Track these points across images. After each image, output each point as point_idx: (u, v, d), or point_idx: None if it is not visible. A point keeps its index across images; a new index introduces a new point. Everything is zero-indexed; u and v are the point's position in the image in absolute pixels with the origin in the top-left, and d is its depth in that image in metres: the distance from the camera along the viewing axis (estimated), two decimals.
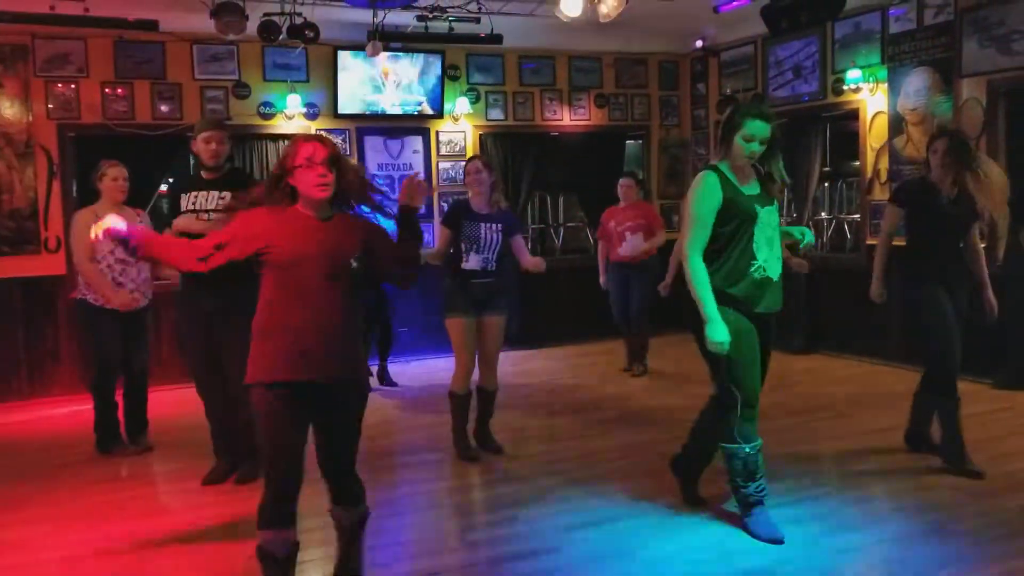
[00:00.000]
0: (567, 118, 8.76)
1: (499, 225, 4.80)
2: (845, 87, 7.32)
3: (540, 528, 3.85)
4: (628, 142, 9.36)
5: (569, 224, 9.75)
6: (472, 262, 4.74)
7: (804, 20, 6.42)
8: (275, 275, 2.85)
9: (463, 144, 8.31)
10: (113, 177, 5.09)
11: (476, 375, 4.92)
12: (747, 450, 3.64)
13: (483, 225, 4.76)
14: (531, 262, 4.81)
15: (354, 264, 2.88)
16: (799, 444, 5.01)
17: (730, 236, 3.57)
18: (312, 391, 2.84)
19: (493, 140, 8.51)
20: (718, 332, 3.49)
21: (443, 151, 8.27)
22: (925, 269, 4.36)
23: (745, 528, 3.69)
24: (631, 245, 6.87)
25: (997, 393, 6.06)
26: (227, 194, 4.29)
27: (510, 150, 8.57)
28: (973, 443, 4.55)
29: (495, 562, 3.52)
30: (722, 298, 3.55)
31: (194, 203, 4.43)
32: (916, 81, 6.80)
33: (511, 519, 3.98)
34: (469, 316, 4.77)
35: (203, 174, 4.52)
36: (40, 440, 5.71)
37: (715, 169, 3.65)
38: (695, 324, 3.60)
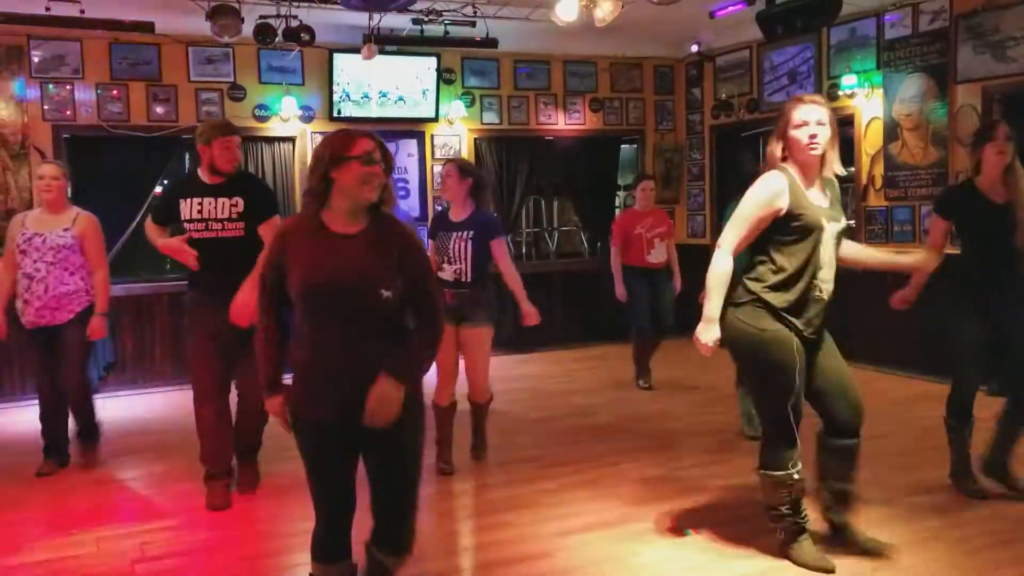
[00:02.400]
0: (562, 122, 8.76)
1: (469, 232, 4.56)
2: (840, 92, 7.33)
3: (533, 533, 3.84)
4: (623, 146, 9.37)
5: (564, 228, 9.75)
6: (445, 272, 4.55)
7: (799, 25, 6.42)
8: (300, 305, 2.55)
9: (458, 147, 8.30)
10: (40, 176, 4.74)
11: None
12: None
13: (453, 235, 4.57)
14: (526, 311, 4.64)
15: (385, 294, 2.51)
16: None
17: (791, 246, 3.25)
18: (354, 427, 2.55)
19: (488, 144, 8.51)
20: (710, 332, 3.32)
21: (438, 154, 8.27)
22: (974, 279, 4.06)
23: (789, 557, 3.43)
24: (660, 252, 6.63)
25: (991, 399, 6.05)
26: (239, 200, 4.12)
27: (505, 154, 8.57)
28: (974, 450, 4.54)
29: (487, 567, 3.51)
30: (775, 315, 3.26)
31: (200, 211, 4.12)
32: (911, 87, 6.82)
33: (503, 524, 3.96)
34: (448, 326, 4.48)
35: (206, 178, 4.18)
36: (24, 442, 5.68)
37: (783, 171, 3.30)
38: (740, 344, 3.34)
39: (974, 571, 3.36)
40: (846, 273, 3.51)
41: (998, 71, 6.19)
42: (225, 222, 4.14)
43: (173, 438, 5.54)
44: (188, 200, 4.16)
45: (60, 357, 4.71)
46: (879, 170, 7.15)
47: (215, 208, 4.13)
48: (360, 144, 2.51)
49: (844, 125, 7.69)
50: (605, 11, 6.34)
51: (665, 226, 6.69)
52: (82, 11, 6.06)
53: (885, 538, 3.55)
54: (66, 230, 4.70)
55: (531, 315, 4.67)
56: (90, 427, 5.02)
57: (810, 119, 3.23)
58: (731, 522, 3.91)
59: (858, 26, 7.22)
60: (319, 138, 7.73)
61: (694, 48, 8.60)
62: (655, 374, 6.77)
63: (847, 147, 7.75)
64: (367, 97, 7.83)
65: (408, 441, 2.65)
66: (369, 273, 2.49)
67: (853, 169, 7.60)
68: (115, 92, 7.13)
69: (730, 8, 6.69)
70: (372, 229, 2.55)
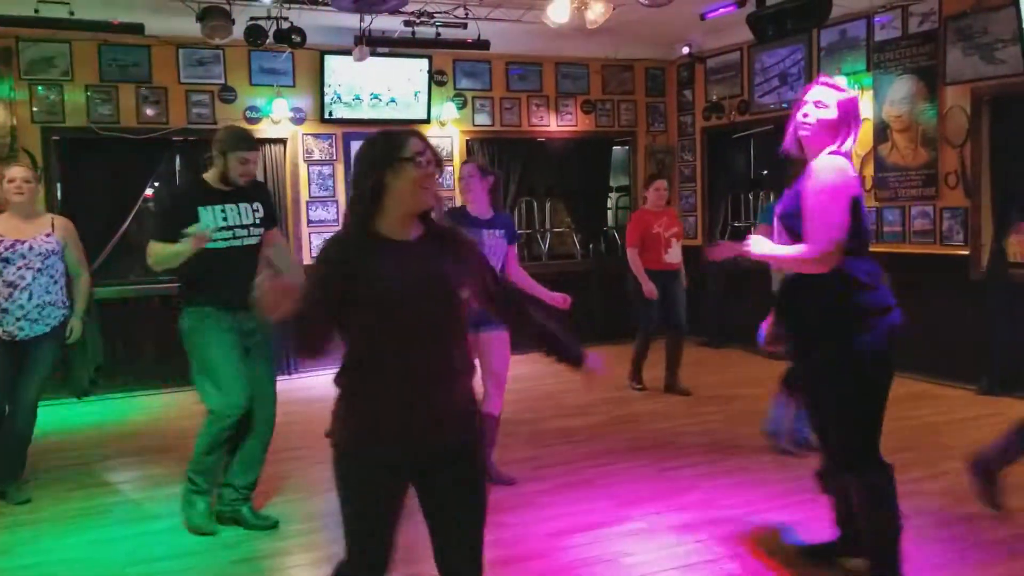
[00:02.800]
0: (554, 124, 8.77)
1: (500, 232, 4.43)
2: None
3: (526, 534, 3.84)
4: (615, 148, 9.39)
5: (556, 230, 9.75)
6: None
7: (790, 27, 6.44)
8: (364, 323, 2.22)
9: (450, 149, 8.30)
10: (10, 179, 4.38)
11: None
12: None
13: (485, 232, 4.34)
14: (554, 298, 4.30)
15: (465, 295, 2.30)
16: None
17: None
18: (424, 460, 2.28)
19: (480, 145, 8.51)
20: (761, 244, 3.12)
21: None
22: None
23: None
24: (677, 252, 6.55)
25: (981, 398, 6.10)
26: (259, 205, 4.01)
27: (497, 155, 8.57)
28: (957, 448, 4.57)
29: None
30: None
31: (225, 218, 3.90)
32: (901, 89, 6.85)
33: (497, 525, 3.92)
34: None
35: (219, 185, 3.94)
36: None
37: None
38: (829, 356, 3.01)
39: (965, 569, 3.38)
40: None
41: (987, 73, 6.22)
42: (251, 227, 3.98)
43: (165, 441, 5.52)
44: (210, 208, 3.88)
45: (26, 370, 4.40)
46: (869, 171, 7.18)
47: (239, 214, 3.95)
48: (412, 144, 2.24)
49: None
50: (596, 13, 6.36)
51: (678, 226, 6.64)
52: (71, 13, 6.04)
53: None
54: (49, 235, 4.46)
55: (560, 300, 4.35)
56: (23, 453, 4.54)
57: (808, 98, 3.16)
58: (723, 522, 3.91)
59: (848, 28, 7.25)
60: (310, 140, 7.79)
61: (685, 50, 8.62)
62: (649, 374, 6.76)
63: None
64: (359, 99, 7.83)
65: (482, 466, 2.40)
66: (450, 275, 2.27)
67: None
68: (105, 94, 7.10)
69: (721, 10, 6.71)
70: (428, 232, 2.31)
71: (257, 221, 4.00)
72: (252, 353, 3.97)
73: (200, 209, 3.85)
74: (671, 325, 6.56)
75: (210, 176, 3.96)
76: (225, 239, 3.88)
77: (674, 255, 6.54)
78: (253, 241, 3.99)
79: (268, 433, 4.04)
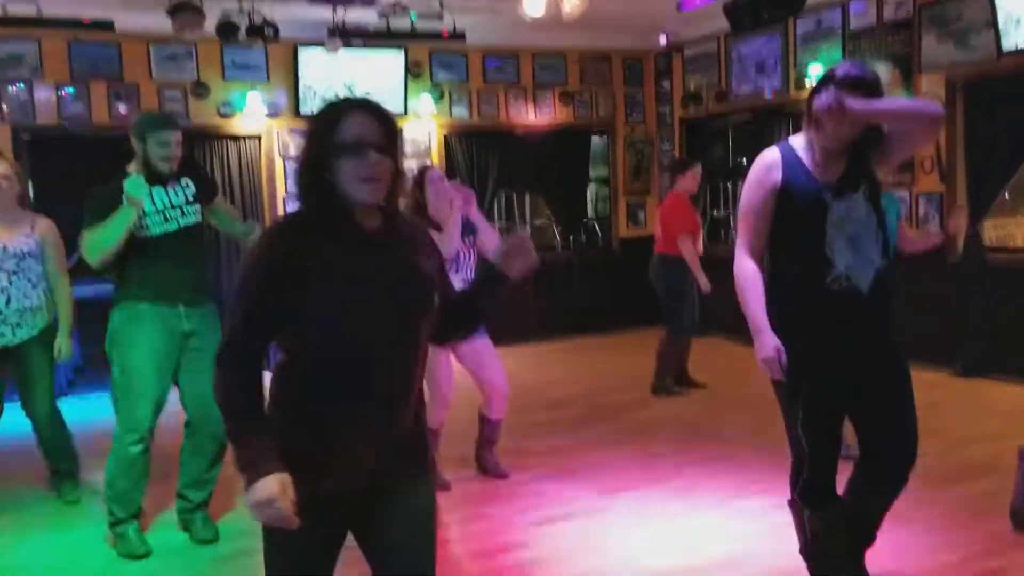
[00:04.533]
0: (532, 116, 8.74)
1: (471, 239, 4.24)
2: (807, 82, 7.38)
3: (510, 524, 3.84)
4: (593, 139, 9.38)
5: (536, 222, 9.74)
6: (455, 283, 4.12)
7: (766, 16, 6.46)
8: (319, 344, 1.84)
9: (428, 142, 8.26)
10: None
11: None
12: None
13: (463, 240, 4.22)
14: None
15: (436, 303, 1.93)
16: (763, 434, 5.03)
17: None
18: (354, 497, 1.93)
19: (458, 138, 8.48)
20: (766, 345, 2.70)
21: (407, 149, 8.22)
22: None
23: None
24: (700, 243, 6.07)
25: (957, 380, 6.15)
26: (188, 181, 3.67)
27: (475, 148, 8.54)
28: (935, 430, 4.59)
29: (466, 559, 3.49)
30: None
31: (152, 201, 3.55)
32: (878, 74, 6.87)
33: (479, 516, 3.96)
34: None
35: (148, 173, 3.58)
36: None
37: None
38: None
39: (939, 551, 3.41)
40: None
41: (960, 59, 6.26)
42: (183, 207, 3.63)
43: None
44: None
45: (27, 382, 4.27)
46: None
47: (166, 195, 3.60)
48: (348, 124, 1.78)
49: None
50: (572, 4, 6.33)
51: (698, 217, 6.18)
52: (39, 10, 5.95)
53: None
54: (27, 236, 4.21)
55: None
56: (65, 457, 4.48)
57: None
58: (705, 508, 3.93)
59: (824, 16, 7.27)
60: (286, 135, 7.72)
61: (662, 40, 8.61)
62: (626, 362, 6.76)
63: None
64: (334, 92, 7.77)
65: (433, 497, 2.08)
66: (426, 272, 1.91)
67: None
68: (75, 92, 7.01)
69: (698, 1, 6.70)
70: (396, 225, 1.92)
71: (190, 198, 3.66)
72: (193, 358, 3.62)
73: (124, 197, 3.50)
74: (697, 323, 6.12)
75: (133, 169, 3.62)
76: (159, 224, 3.56)
77: (701, 246, 6.06)
78: (191, 221, 3.66)
79: (216, 449, 3.73)
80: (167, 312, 3.59)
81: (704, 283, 5.86)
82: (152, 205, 3.56)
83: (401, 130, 1.75)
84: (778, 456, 4.57)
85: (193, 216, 3.69)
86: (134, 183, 3.46)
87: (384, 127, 1.82)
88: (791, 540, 3.53)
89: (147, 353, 3.57)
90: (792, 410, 2.80)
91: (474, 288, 2.12)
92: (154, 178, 3.56)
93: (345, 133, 1.78)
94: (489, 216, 8.86)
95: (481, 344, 4.29)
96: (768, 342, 2.68)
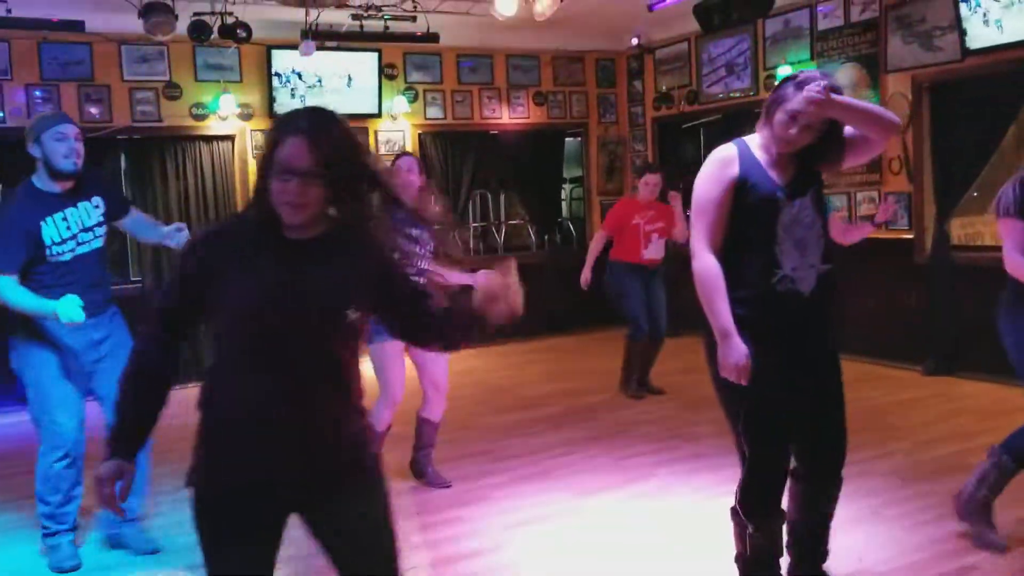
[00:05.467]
0: (506, 116, 8.76)
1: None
2: (776, 83, 7.45)
3: (483, 527, 3.85)
4: (567, 139, 9.42)
5: (511, 222, 9.77)
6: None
7: (735, 17, 6.54)
8: (225, 329, 1.95)
9: (402, 143, 8.26)
10: None
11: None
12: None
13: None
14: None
15: (352, 316, 1.94)
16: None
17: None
18: (290, 495, 1.96)
19: (432, 139, 8.49)
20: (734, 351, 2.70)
21: (382, 150, 8.21)
22: None
23: None
24: (658, 248, 6.12)
25: (926, 379, 6.25)
26: (99, 200, 3.56)
27: (450, 149, 8.56)
28: (905, 429, 4.68)
29: (439, 563, 3.50)
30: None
31: (68, 227, 3.43)
32: (844, 77, 6.95)
33: (452, 520, 3.97)
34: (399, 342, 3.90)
35: (53, 187, 3.45)
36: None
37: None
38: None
39: (914, 547, 3.46)
40: None
41: (926, 60, 6.35)
42: (94, 228, 3.55)
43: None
44: (51, 221, 3.40)
45: None
46: None
47: (80, 218, 3.49)
48: (283, 147, 1.83)
49: None
50: (544, 5, 6.37)
51: (664, 222, 6.09)
52: (9, 10, 5.88)
53: None
54: None
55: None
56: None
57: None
58: (681, 508, 3.97)
59: (792, 17, 7.36)
60: (259, 136, 7.69)
61: (634, 41, 8.67)
62: (601, 363, 6.80)
63: None
64: (307, 93, 7.74)
65: (386, 501, 2.04)
66: (335, 284, 1.92)
67: None
68: (46, 93, 6.94)
69: (668, 1, 6.76)
70: (341, 232, 1.96)
71: (100, 219, 3.58)
72: (106, 364, 3.52)
73: (42, 225, 3.37)
74: (651, 328, 6.13)
75: (40, 180, 3.46)
76: (71, 250, 3.45)
77: (654, 251, 6.13)
78: (99, 244, 3.59)
79: (141, 459, 3.65)
80: (72, 328, 3.41)
81: (583, 277, 6.13)
82: (68, 231, 3.46)
83: (359, 145, 1.80)
84: (725, 459, 4.65)
85: (101, 239, 3.61)
86: (68, 306, 3.24)
87: (317, 154, 1.82)
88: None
89: (52, 365, 3.49)
90: (734, 413, 2.83)
91: (451, 314, 2.10)
92: (61, 177, 3.43)
93: (278, 155, 1.84)
94: (464, 216, 8.90)
95: None
96: (738, 347, 2.69)
